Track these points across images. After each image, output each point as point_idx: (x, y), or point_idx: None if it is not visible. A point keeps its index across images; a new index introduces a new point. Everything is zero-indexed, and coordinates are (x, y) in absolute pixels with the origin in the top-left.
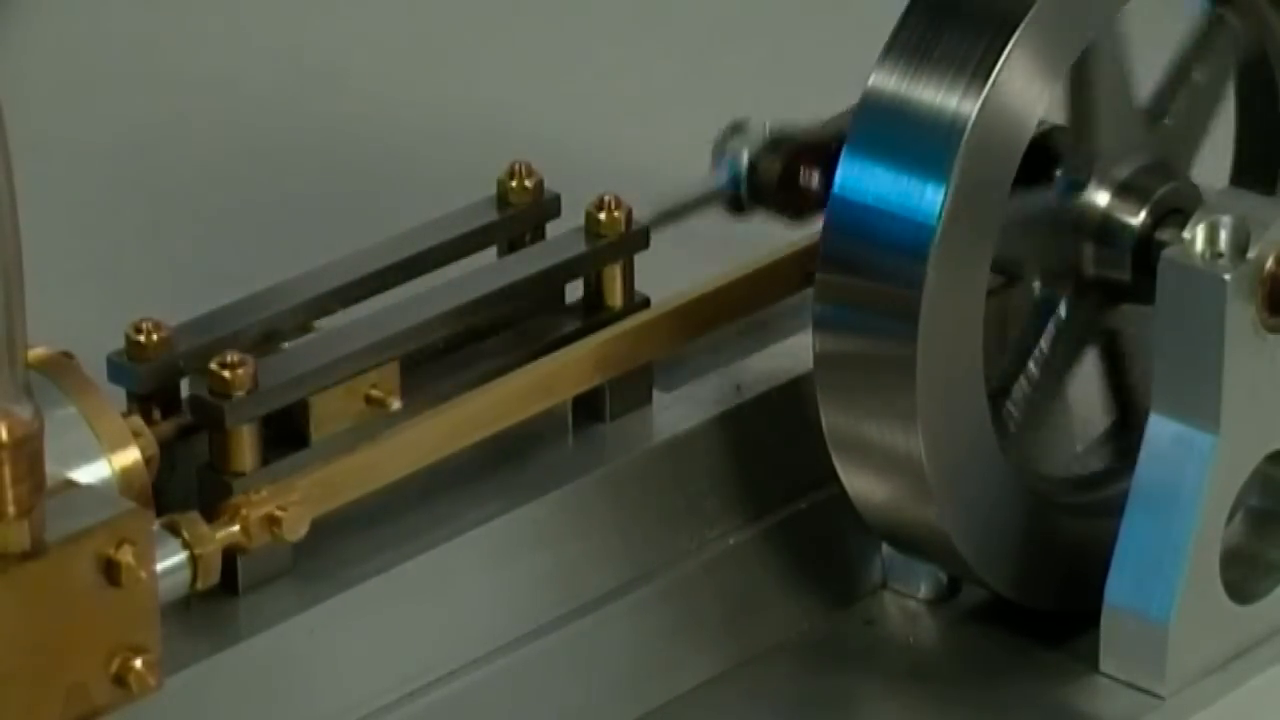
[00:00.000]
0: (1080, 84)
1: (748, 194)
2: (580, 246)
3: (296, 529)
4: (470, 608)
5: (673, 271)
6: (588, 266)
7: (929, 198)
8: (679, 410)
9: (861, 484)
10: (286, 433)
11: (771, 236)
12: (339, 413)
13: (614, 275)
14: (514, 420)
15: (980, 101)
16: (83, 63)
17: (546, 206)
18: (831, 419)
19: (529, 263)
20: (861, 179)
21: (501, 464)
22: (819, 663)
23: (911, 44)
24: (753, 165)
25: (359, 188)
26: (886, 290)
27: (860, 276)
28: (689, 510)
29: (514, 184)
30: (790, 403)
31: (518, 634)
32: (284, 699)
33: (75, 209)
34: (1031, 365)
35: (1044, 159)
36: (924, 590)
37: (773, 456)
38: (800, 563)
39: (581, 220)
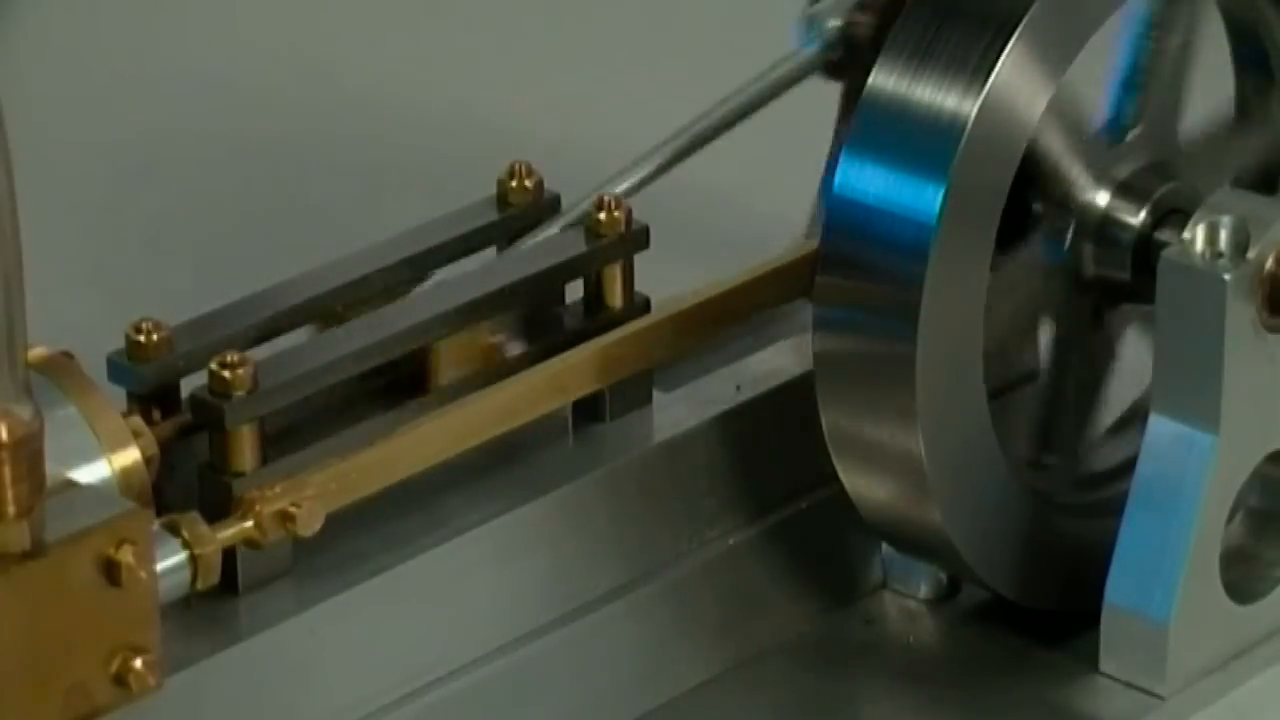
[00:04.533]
0: (1036, 153)
1: (844, 55)
2: (580, 246)
3: (310, 524)
4: (470, 608)
5: (673, 272)
6: (588, 266)
7: (929, 197)
8: (679, 410)
9: (861, 483)
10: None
11: (772, 240)
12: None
13: (614, 275)
14: (521, 420)
15: (980, 101)
16: (83, 63)
17: (546, 206)
18: (831, 418)
19: (529, 262)
20: (861, 178)
21: (501, 464)
22: (819, 662)
23: (911, 43)
24: (846, 26)
25: (359, 188)
26: (886, 290)
27: (860, 276)
28: (689, 510)
29: (514, 184)
30: (790, 402)
31: (517, 634)
32: (284, 699)
33: (75, 209)
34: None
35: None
36: (924, 590)
37: (772, 456)
38: (800, 562)
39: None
